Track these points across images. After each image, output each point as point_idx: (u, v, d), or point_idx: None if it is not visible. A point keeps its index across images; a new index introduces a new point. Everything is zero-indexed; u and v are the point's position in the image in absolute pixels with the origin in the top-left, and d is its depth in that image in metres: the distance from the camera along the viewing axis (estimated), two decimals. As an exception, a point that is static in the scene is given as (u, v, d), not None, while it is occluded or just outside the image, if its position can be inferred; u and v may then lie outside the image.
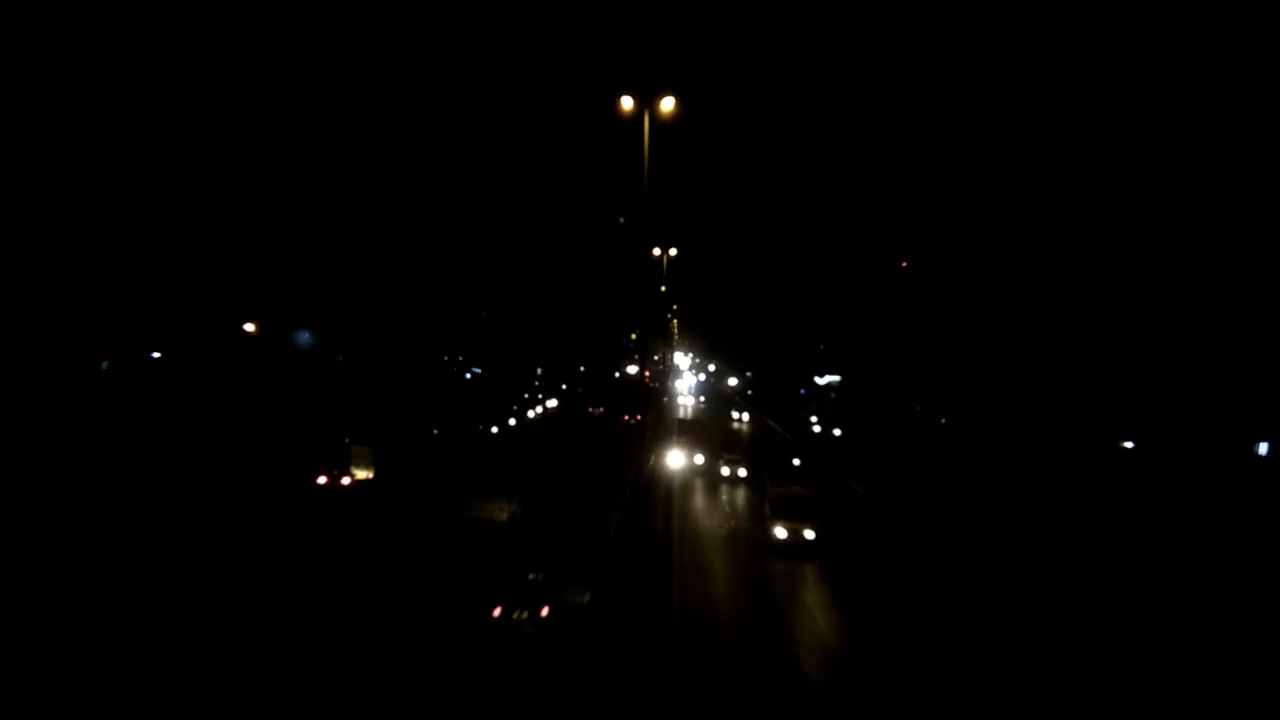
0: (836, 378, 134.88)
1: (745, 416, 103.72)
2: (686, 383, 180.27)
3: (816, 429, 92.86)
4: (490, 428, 78.61)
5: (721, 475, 57.66)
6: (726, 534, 41.16)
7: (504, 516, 37.26)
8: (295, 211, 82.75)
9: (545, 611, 22.07)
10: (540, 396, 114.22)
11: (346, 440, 49.92)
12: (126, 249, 67.65)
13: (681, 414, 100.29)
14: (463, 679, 20.55)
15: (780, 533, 37.11)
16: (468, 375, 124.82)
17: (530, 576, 23.62)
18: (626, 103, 34.43)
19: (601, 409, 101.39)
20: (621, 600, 27.16)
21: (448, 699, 19.69)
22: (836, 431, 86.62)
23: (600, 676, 20.86)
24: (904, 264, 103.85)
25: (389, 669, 21.14)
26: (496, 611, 22.23)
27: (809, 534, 37.08)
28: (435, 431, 70.76)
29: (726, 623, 27.61)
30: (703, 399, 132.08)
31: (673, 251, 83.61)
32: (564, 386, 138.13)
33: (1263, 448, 54.03)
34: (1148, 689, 23.02)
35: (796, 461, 64.65)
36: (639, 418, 79.47)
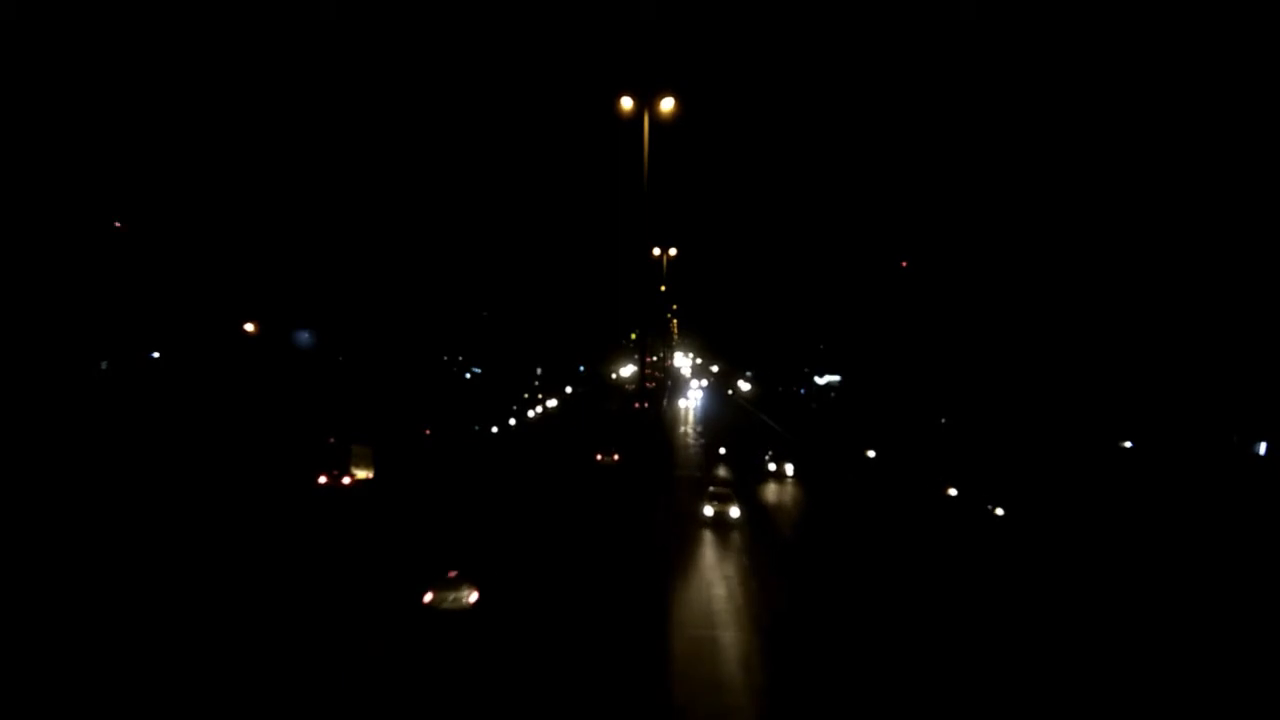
0: (836, 378, 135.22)
1: (789, 469, 59.82)
2: (692, 403, 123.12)
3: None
4: (490, 428, 78.61)
5: None
6: None
7: None
8: (295, 212, 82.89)
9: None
10: (540, 396, 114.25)
11: (346, 440, 49.99)
12: (126, 249, 67.76)
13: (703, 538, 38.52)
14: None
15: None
16: (468, 375, 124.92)
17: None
18: (626, 103, 34.53)
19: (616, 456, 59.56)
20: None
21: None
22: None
23: None
24: (904, 264, 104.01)
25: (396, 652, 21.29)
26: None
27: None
28: (427, 432, 70.71)
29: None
30: (723, 452, 68.59)
31: (673, 251, 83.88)
32: (569, 389, 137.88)
33: (1262, 448, 54.12)
34: (1147, 688, 23.05)
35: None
36: None
